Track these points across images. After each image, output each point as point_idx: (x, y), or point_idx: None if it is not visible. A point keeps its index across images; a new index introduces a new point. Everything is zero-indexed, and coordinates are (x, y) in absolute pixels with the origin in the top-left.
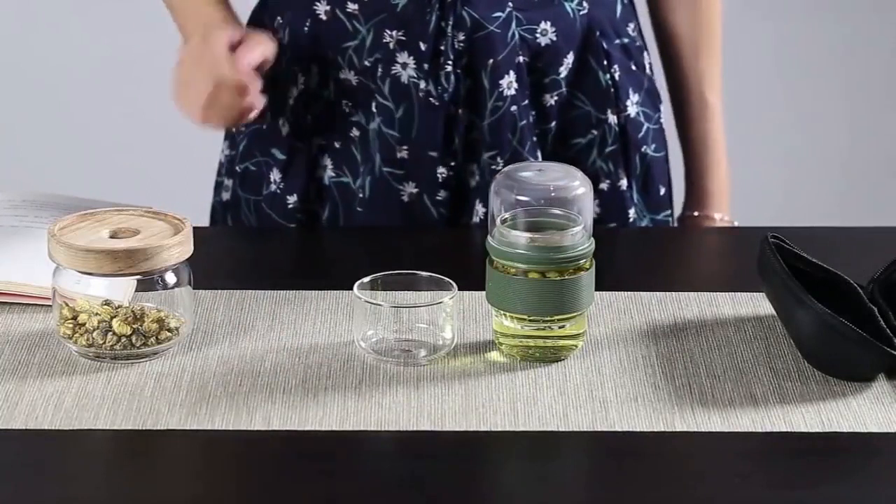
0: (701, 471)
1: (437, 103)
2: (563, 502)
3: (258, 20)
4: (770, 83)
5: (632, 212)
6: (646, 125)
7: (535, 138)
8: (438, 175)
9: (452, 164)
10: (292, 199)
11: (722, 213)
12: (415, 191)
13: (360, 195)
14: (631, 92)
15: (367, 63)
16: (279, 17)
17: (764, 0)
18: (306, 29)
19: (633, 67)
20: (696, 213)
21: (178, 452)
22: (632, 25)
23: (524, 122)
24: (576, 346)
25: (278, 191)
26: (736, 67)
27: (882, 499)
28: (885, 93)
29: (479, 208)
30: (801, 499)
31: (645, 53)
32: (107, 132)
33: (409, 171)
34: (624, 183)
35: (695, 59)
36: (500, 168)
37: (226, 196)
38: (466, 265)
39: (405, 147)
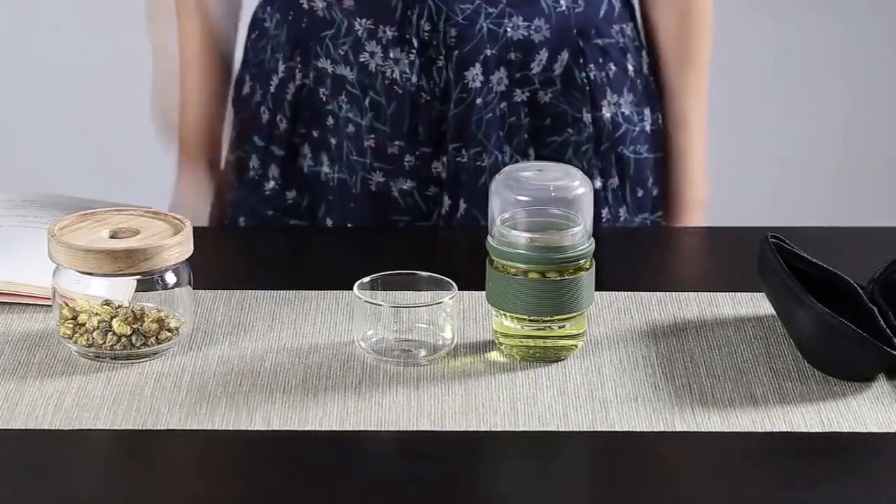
0: (701, 471)
1: (400, 91)
2: (563, 502)
3: (256, 16)
4: (768, 83)
5: (605, 212)
6: (625, 126)
7: (501, 132)
8: (405, 164)
9: (417, 153)
10: (269, 186)
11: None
12: (382, 179)
13: (331, 184)
14: (609, 92)
15: (341, 51)
16: (268, 7)
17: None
18: (290, 17)
19: (614, 68)
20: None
21: (178, 452)
22: (617, 27)
23: (490, 115)
24: (576, 346)
25: (256, 177)
26: (735, 66)
27: (882, 499)
28: (885, 92)
29: (446, 200)
30: (801, 499)
31: (630, 55)
32: (107, 132)
33: (375, 159)
34: (598, 182)
35: (679, 73)
36: (464, 160)
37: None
38: (466, 265)
39: (372, 136)
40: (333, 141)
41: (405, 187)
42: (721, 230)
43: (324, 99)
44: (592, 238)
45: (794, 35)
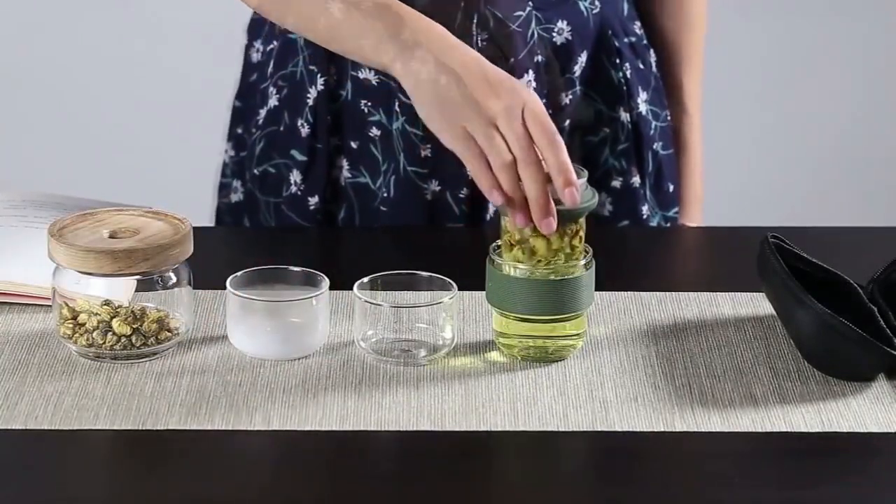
0: (701, 471)
1: None
2: (563, 502)
3: (262, 20)
4: (768, 83)
5: (644, 209)
6: (654, 123)
7: None
8: (469, 172)
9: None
10: (314, 201)
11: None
12: (437, 189)
13: (385, 195)
14: (640, 90)
15: None
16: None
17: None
18: None
19: (641, 66)
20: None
21: (178, 452)
22: (637, 24)
23: None
24: (576, 346)
25: (299, 192)
26: (735, 66)
27: (882, 499)
28: (885, 92)
29: (492, 206)
30: (801, 499)
31: (650, 52)
32: (107, 132)
33: (432, 169)
34: (636, 180)
35: (679, 68)
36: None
37: (235, 197)
38: (467, 265)
39: (428, 145)
40: (376, 151)
41: (461, 195)
42: (721, 230)
43: (366, 111)
44: (595, 191)
45: (795, 35)
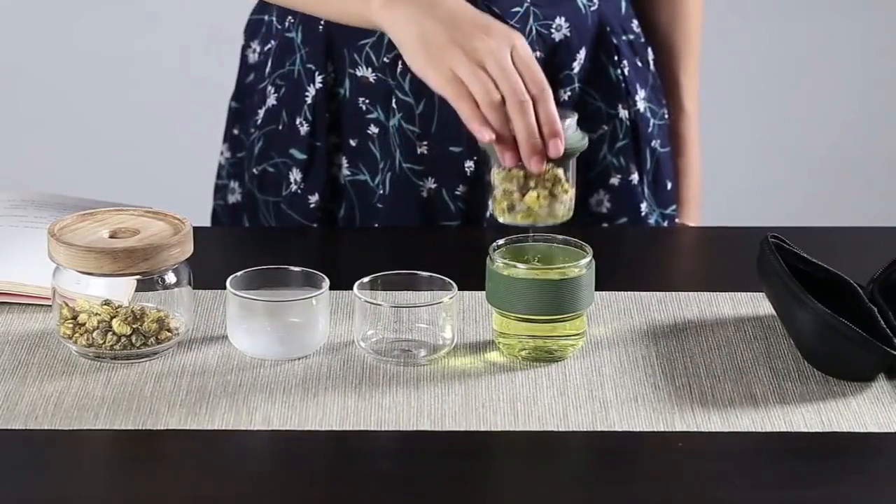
0: (701, 471)
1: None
2: (563, 502)
3: (261, 20)
4: (769, 83)
5: (643, 206)
6: (652, 121)
7: None
8: (466, 169)
9: (475, 157)
10: (314, 199)
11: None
12: (434, 186)
13: (381, 192)
14: (638, 87)
15: (385, 59)
16: (290, 17)
17: (754, 1)
18: (321, 27)
19: (639, 63)
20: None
21: (178, 452)
22: (635, 22)
23: None
24: (576, 346)
25: (299, 191)
26: (735, 66)
27: (882, 499)
28: (885, 92)
29: (491, 204)
30: (801, 499)
31: (649, 50)
32: (107, 132)
33: (428, 166)
34: (635, 177)
35: (677, 67)
36: None
37: (233, 199)
38: (467, 265)
39: (425, 143)
40: (375, 149)
41: (458, 192)
42: (721, 230)
43: (364, 108)
44: (585, 134)
45: (795, 35)
